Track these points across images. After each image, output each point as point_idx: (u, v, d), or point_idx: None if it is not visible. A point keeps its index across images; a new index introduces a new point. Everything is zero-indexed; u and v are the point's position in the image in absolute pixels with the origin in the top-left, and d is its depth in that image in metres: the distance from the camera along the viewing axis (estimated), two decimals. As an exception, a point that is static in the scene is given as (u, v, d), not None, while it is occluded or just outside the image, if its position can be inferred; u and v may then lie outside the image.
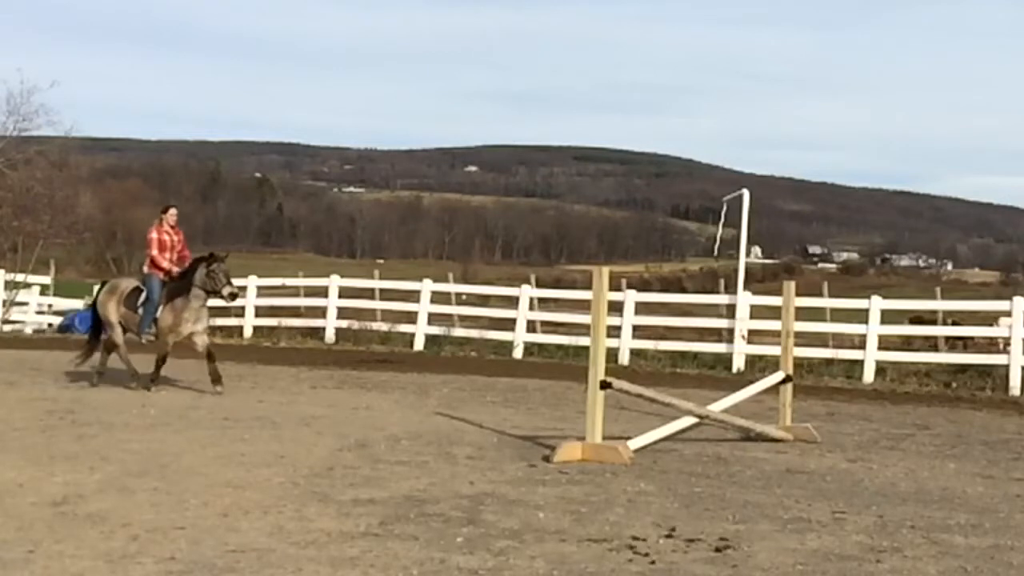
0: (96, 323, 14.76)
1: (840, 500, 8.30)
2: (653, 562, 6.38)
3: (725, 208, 24.38)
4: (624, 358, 20.47)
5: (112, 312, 14.35)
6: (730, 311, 20.75)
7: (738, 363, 19.99)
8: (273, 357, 19.78)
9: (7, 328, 25.95)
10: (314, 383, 15.55)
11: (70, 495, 7.71)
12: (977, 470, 10.02)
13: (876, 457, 10.55)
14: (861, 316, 19.81)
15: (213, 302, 14.34)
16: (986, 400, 16.69)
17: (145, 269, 14.43)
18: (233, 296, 14.18)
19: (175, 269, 14.12)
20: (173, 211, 14.68)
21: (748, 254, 27.22)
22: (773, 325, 17.61)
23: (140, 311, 14.10)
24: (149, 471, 8.61)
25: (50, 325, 26.57)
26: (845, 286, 52.87)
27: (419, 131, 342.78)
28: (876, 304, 19.44)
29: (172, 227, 14.46)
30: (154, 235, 14.31)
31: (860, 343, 19.47)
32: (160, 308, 13.96)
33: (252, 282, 25.21)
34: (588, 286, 11.74)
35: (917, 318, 25.53)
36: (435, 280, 24.24)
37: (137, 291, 14.24)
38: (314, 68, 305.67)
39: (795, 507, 7.98)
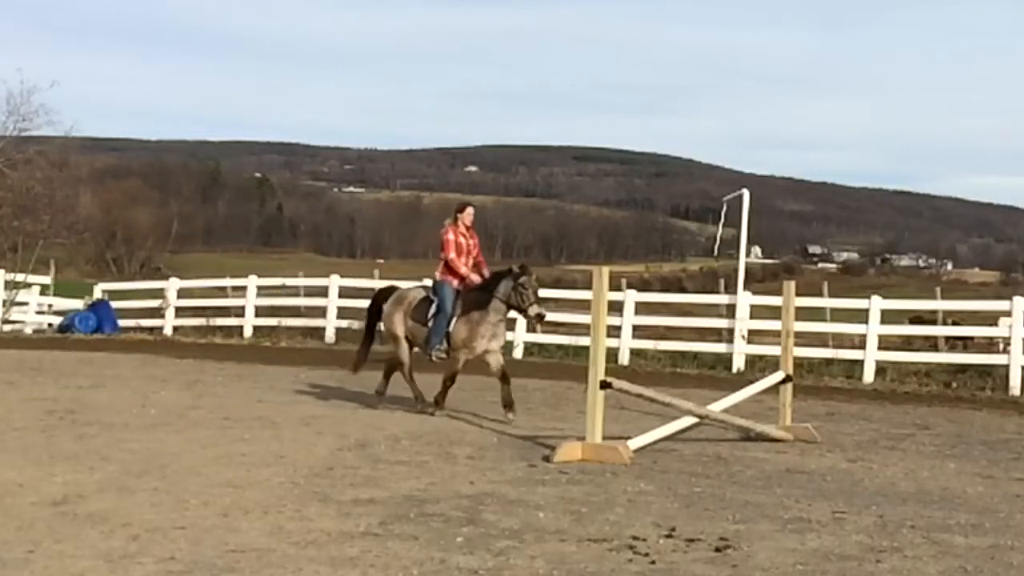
0: (370, 331, 13.59)
1: (840, 500, 8.30)
2: (653, 562, 6.38)
3: (725, 208, 24.37)
4: (624, 358, 20.46)
5: (398, 325, 12.87)
6: (730, 311, 20.74)
7: (738, 363, 19.98)
8: (273, 357, 19.77)
9: (7, 328, 25.92)
10: (314, 383, 15.54)
11: (70, 495, 7.71)
12: (977, 470, 10.02)
13: (876, 457, 10.55)
14: (861, 316, 19.80)
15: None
16: (986, 400, 16.68)
17: (437, 275, 12.73)
18: (540, 318, 12.52)
19: (473, 277, 12.46)
20: (470, 210, 12.83)
21: (748, 254, 27.21)
22: (773, 325, 17.61)
23: (430, 324, 12.50)
24: (149, 471, 8.62)
25: (50, 325, 26.53)
26: (845, 286, 52.87)
27: (419, 131, 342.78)
28: (876, 304, 19.43)
29: (468, 228, 12.69)
30: (450, 236, 12.56)
31: (860, 343, 19.46)
32: (453, 321, 12.35)
33: (252, 282, 25.21)
34: (588, 286, 11.74)
35: (917, 318, 25.51)
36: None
37: (427, 302, 12.68)
38: (314, 68, 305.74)
39: (795, 507, 7.98)
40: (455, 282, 12.48)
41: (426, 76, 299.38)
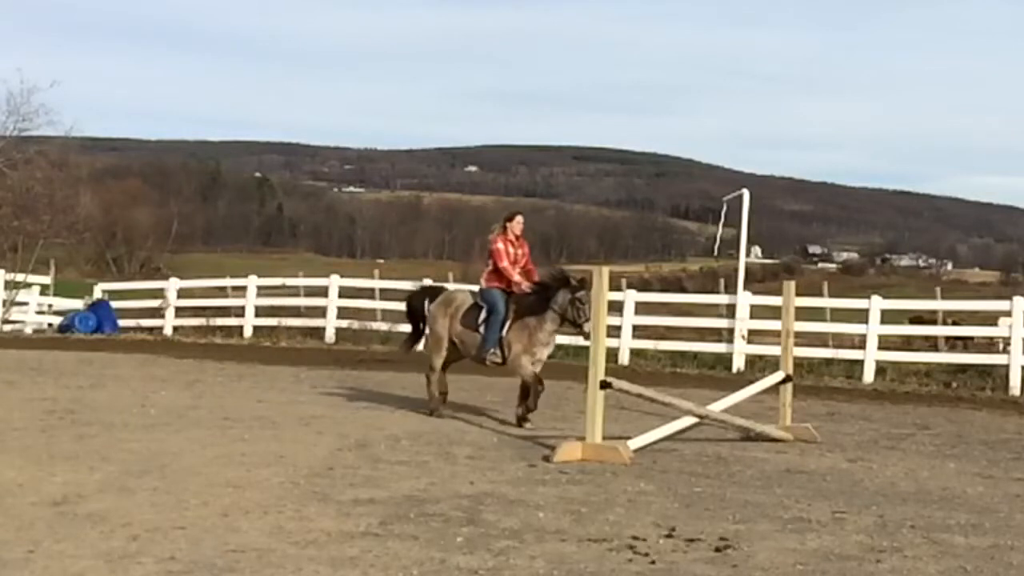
0: (416, 328, 13.21)
1: (840, 500, 8.31)
2: (653, 562, 6.39)
3: (725, 208, 24.38)
4: (624, 358, 20.46)
5: (443, 328, 12.53)
6: (730, 311, 20.74)
7: (738, 363, 19.99)
8: (273, 357, 19.77)
9: (7, 328, 25.93)
10: (314, 383, 15.54)
11: (70, 495, 7.71)
12: (977, 470, 10.02)
13: (876, 457, 10.55)
14: (861, 316, 19.80)
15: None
16: (986, 400, 16.68)
17: (482, 283, 12.50)
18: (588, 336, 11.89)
19: (525, 284, 12.11)
20: (519, 219, 12.63)
21: (748, 254, 27.22)
22: (773, 325, 17.61)
23: (481, 330, 12.21)
24: (149, 471, 8.62)
25: (50, 325, 26.55)
26: (845, 286, 52.94)
27: (419, 131, 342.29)
28: (876, 304, 19.43)
29: (517, 237, 12.44)
30: (500, 245, 12.31)
31: (860, 343, 19.46)
32: (506, 326, 12.08)
33: (252, 282, 25.21)
34: (588, 286, 11.71)
35: (917, 318, 25.51)
36: (435, 280, 24.19)
37: (476, 308, 12.37)
38: (314, 68, 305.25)
39: (795, 507, 7.98)
40: (502, 287, 12.23)
41: (426, 76, 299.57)
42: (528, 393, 11.94)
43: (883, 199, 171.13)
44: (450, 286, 23.05)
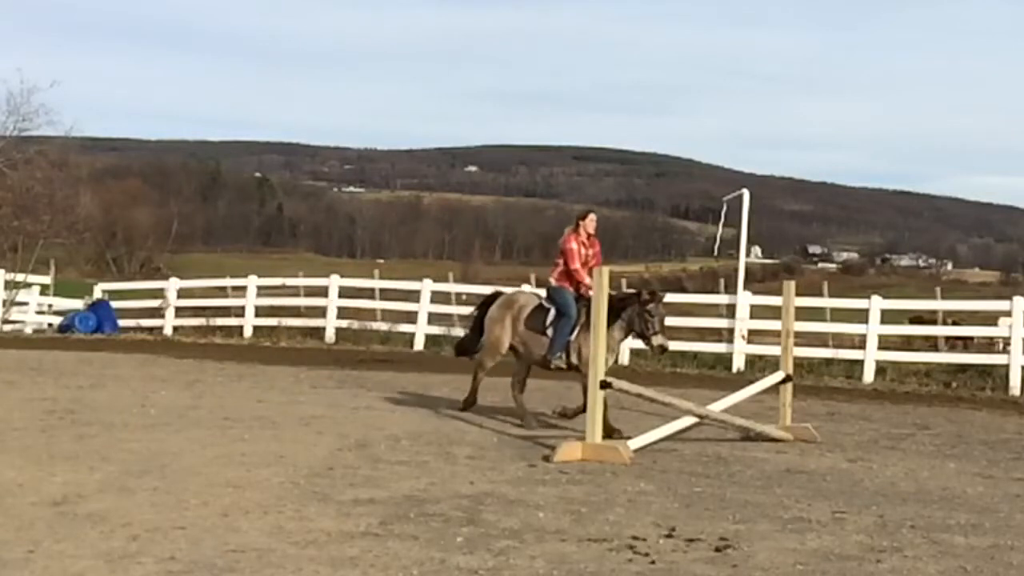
0: (476, 335, 12.64)
1: (840, 500, 8.31)
2: (653, 562, 6.39)
3: (725, 208, 24.37)
4: (624, 358, 20.44)
5: (505, 332, 12.03)
6: (730, 311, 20.74)
7: (738, 363, 19.99)
8: (273, 357, 19.77)
9: (7, 328, 25.92)
10: (314, 383, 15.54)
11: (70, 495, 7.71)
12: (977, 470, 10.02)
13: (876, 457, 10.55)
14: (861, 316, 19.80)
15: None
16: (986, 400, 16.68)
17: (553, 280, 11.93)
18: (663, 350, 11.68)
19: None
20: (593, 216, 12.09)
21: (748, 254, 27.22)
22: (773, 325, 17.60)
23: (549, 332, 11.73)
24: (149, 471, 8.62)
25: (50, 325, 26.54)
26: (845, 286, 52.94)
27: (419, 131, 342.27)
28: (876, 304, 19.43)
29: (589, 237, 11.94)
30: (573, 246, 11.79)
31: (860, 343, 19.46)
32: (576, 330, 11.59)
33: (252, 282, 25.21)
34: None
35: (917, 318, 25.52)
36: (435, 280, 24.23)
37: (541, 309, 11.92)
38: (314, 68, 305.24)
39: (795, 507, 7.99)
40: (571, 288, 11.78)
41: (426, 76, 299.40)
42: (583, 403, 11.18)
43: (883, 199, 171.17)
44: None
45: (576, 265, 11.73)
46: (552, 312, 11.76)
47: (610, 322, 11.10)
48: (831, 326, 20.39)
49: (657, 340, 11.34)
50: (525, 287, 22.48)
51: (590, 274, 11.45)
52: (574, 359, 11.59)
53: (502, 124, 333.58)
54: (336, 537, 6.76)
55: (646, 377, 16.83)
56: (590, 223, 11.97)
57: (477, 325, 12.72)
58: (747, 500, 8.19)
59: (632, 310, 11.40)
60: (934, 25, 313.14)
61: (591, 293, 11.06)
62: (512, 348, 12.13)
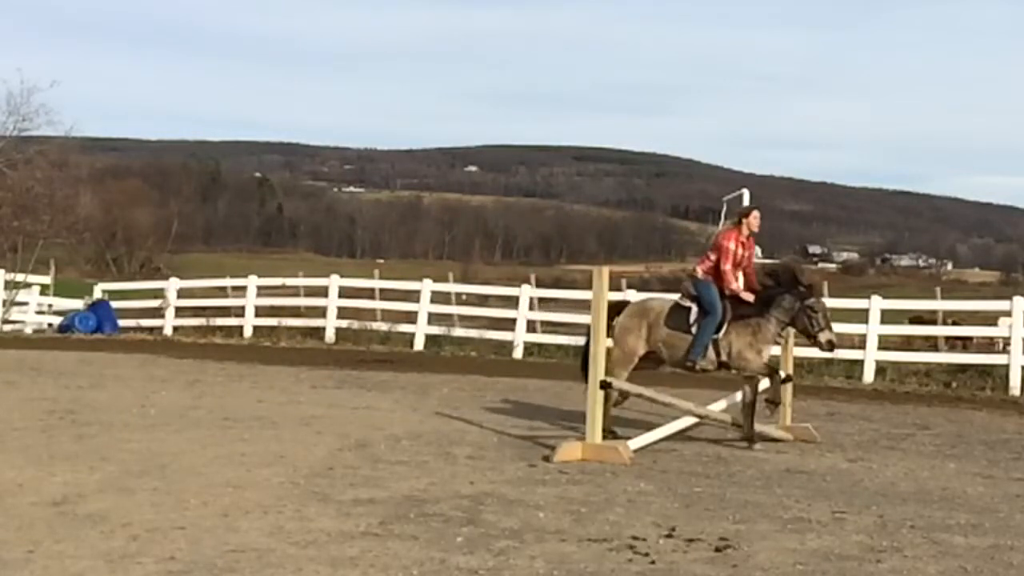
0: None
1: (840, 500, 8.31)
2: (653, 562, 6.39)
3: (725, 208, 24.31)
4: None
5: (639, 342, 11.26)
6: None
7: (738, 363, 19.95)
8: (273, 357, 19.77)
9: (7, 328, 25.92)
10: (314, 383, 15.53)
11: (70, 495, 7.71)
12: (977, 470, 10.02)
13: (876, 457, 10.55)
14: (861, 316, 19.77)
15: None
16: (986, 400, 16.67)
17: (700, 273, 11.18)
18: (832, 345, 11.07)
19: (744, 296, 10.94)
20: (757, 214, 11.27)
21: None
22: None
23: (694, 330, 10.98)
24: (149, 471, 8.62)
25: (50, 325, 26.53)
26: (845, 286, 52.71)
27: (419, 131, 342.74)
28: (876, 304, 19.42)
29: (748, 236, 11.19)
30: (731, 245, 11.01)
31: (860, 343, 19.44)
32: (724, 328, 10.94)
33: (252, 282, 25.21)
34: (588, 286, 11.68)
35: (917, 318, 25.49)
36: (435, 280, 24.22)
37: (681, 308, 11.13)
38: (314, 68, 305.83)
39: (795, 507, 7.98)
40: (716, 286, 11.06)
41: (426, 76, 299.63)
42: (775, 389, 10.96)
43: (883, 199, 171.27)
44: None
45: (729, 266, 10.98)
46: (695, 310, 11.06)
47: (760, 314, 10.91)
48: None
49: (824, 336, 10.85)
50: (525, 287, 22.55)
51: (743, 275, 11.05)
52: (724, 356, 10.99)
53: (502, 124, 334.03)
54: (336, 537, 6.76)
55: (646, 377, 16.81)
56: (754, 221, 11.23)
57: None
58: (747, 500, 8.19)
59: (792, 304, 10.86)
60: (934, 25, 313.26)
61: (744, 296, 10.91)
62: (651, 354, 11.36)
